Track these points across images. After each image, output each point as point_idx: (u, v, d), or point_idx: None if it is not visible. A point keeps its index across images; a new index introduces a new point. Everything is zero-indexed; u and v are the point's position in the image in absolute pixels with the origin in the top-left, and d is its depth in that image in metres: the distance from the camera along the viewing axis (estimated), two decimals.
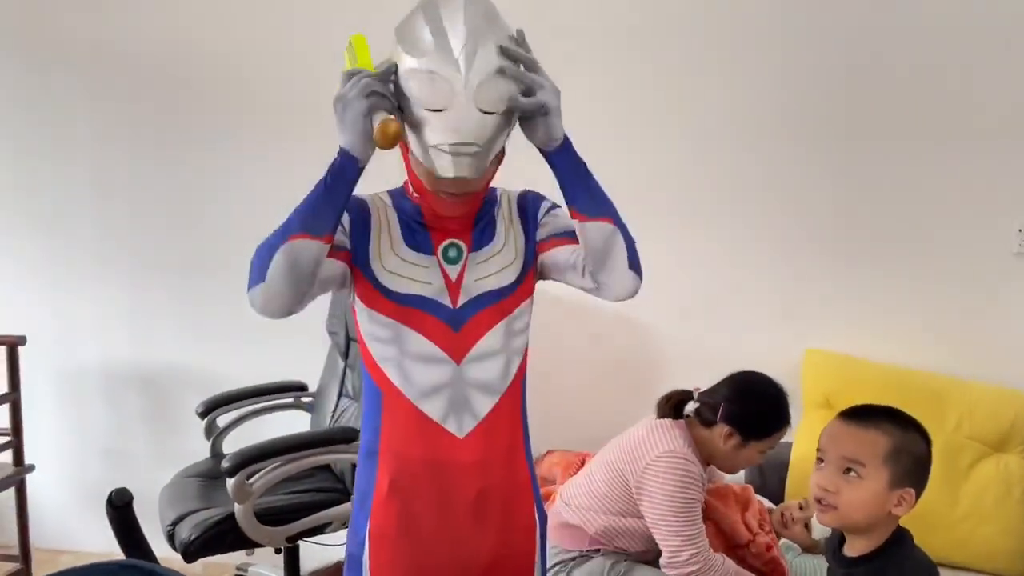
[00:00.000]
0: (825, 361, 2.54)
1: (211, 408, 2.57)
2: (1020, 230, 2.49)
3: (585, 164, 1.42)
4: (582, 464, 2.54)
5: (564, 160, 1.40)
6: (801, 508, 2.12)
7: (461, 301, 1.44)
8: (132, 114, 2.93)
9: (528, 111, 1.34)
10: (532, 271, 1.52)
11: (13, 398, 2.81)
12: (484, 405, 1.45)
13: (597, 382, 2.77)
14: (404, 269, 1.43)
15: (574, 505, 2.06)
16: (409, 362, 1.42)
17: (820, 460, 1.48)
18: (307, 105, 2.79)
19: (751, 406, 2.00)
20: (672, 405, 2.05)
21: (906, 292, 2.57)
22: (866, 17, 2.51)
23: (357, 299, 1.46)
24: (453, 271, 1.45)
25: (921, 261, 2.55)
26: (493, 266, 1.46)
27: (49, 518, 3.09)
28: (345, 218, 1.41)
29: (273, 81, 2.83)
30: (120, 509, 2.15)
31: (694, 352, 2.67)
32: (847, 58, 2.54)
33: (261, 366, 2.78)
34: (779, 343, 2.61)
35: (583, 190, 1.41)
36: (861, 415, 1.49)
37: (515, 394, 1.50)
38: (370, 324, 1.44)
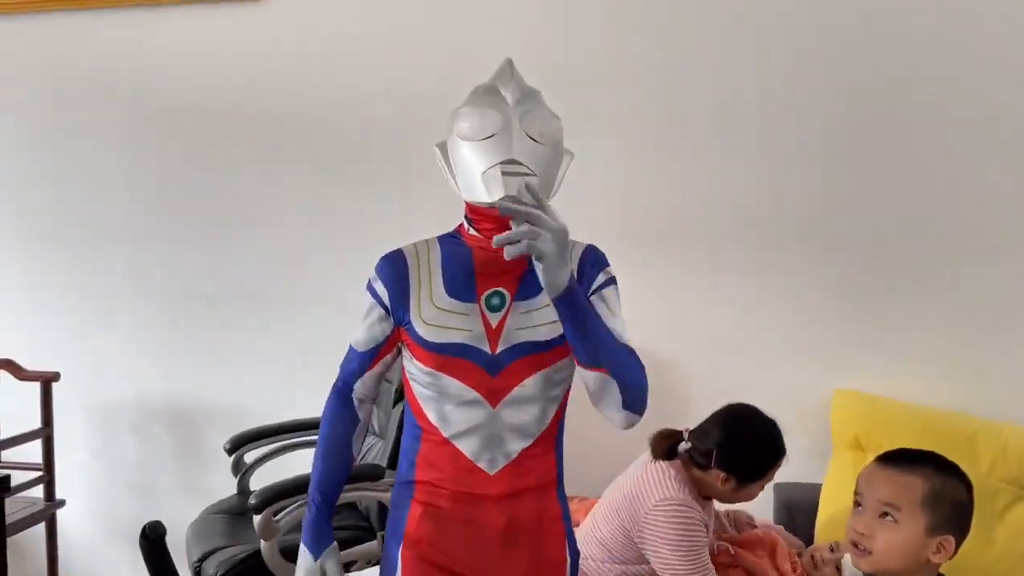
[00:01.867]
0: (855, 401, 2.51)
1: (238, 444, 2.58)
2: None
3: (590, 312, 1.39)
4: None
5: (564, 308, 1.35)
6: (832, 550, 2.09)
7: (500, 347, 1.46)
8: (166, 149, 2.99)
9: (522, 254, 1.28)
10: None
11: (46, 433, 2.85)
12: (517, 446, 1.48)
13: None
14: (442, 319, 1.46)
15: (584, 554, 2.04)
16: (447, 405, 1.47)
17: (857, 504, 1.46)
18: (339, 141, 2.87)
19: (745, 452, 1.96)
20: (665, 447, 2.02)
21: (937, 331, 2.53)
22: (898, 44, 2.52)
23: (404, 351, 1.53)
24: (495, 318, 1.46)
25: (953, 299, 2.52)
26: (536, 318, 1.47)
27: (78, 552, 3.11)
28: (384, 292, 1.50)
29: (303, 116, 2.87)
30: (154, 542, 2.16)
31: (719, 391, 2.63)
32: (874, 93, 2.54)
33: (289, 403, 2.80)
34: (807, 382, 2.58)
35: (581, 340, 1.37)
36: (900, 459, 1.47)
37: (551, 436, 1.52)
38: (413, 368, 1.50)
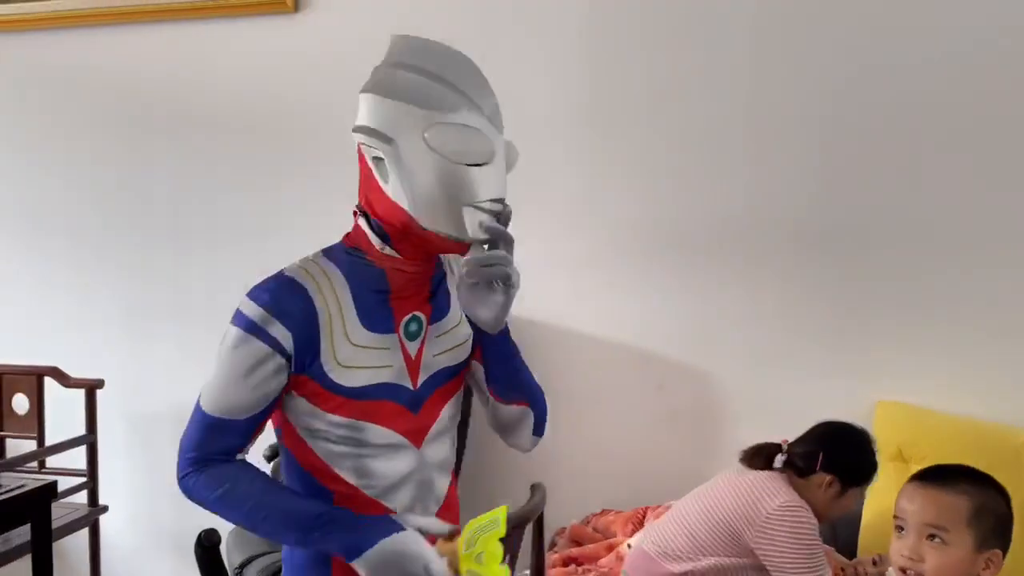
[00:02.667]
0: (898, 413, 2.47)
1: (276, 452, 2.59)
2: None
3: (517, 350, 1.32)
4: (642, 519, 2.51)
5: (501, 345, 1.29)
6: (875, 563, 2.07)
7: (421, 379, 1.30)
8: (210, 161, 3.04)
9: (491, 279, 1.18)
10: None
11: (90, 440, 2.90)
12: (443, 485, 1.34)
13: (657, 433, 2.73)
14: (360, 357, 1.24)
15: (673, 553, 2.04)
16: (369, 458, 1.26)
17: (899, 528, 1.44)
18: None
19: (851, 453, 2.00)
20: (763, 457, 2.05)
21: (982, 342, 2.49)
22: (923, 54, 2.49)
23: (294, 402, 1.25)
24: (413, 347, 1.29)
25: (997, 310, 2.48)
26: (448, 341, 1.33)
27: (121, 557, 3.15)
28: (286, 335, 1.21)
29: (345, 135, 2.89)
30: (208, 549, 2.18)
31: (760, 403, 2.63)
32: (915, 99, 2.51)
33: None
34: (849, 394, 2.55)
35: (510, 376, 1.32)
36: (938, 477, 1.45)
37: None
38: (316, 423, 1.25)
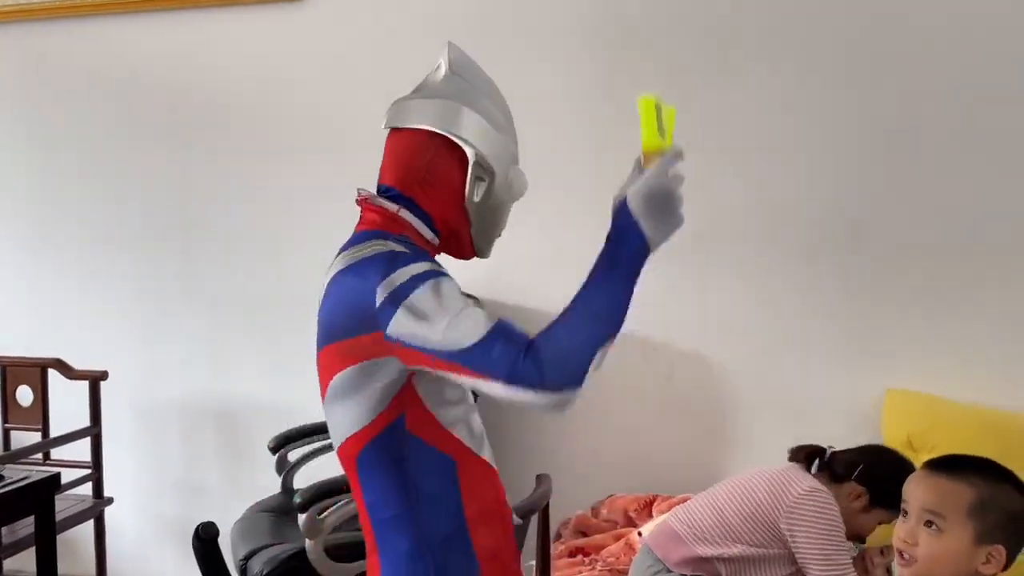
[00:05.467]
0: (908, 402, 2.45)
1: (282, 443, 2.58)
2: None
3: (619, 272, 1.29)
4: (651, 503, 2.50)
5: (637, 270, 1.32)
6: (882, 553, 2.06)
7: None
8: (217, 155, 3.02)
9: None
10: None
11: (95, 432, 2.89)
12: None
13: (666, 422, 2.72)
14: None
15: (701, 534, 2.04)
16: (472, 413, 1.36)
17: (904, 512, 1.42)
18: (380, 143, 2.87)
19: (890, 474, 1.96)
20: (804, 455, 2.07)
21: (992, 329, 2.47)
22: (944, 48, 2.46)
23: (423, 373, 1.26)
24: None
25: (1008, 297, 2.46)
26: None
27: (125, 550, 3.15)
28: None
29: (352, 127, 2.87)
30: (206, 543, 2.18)
31: (770, 392, 2.62)
32: (922, 90, 2.48)
33: None
34: (859, 383, 2.54)
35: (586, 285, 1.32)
36: (947, 466, 1.42)
37: None
38: (440, 390, 1.29)
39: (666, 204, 1.24)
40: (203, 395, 3.08)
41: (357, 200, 1.43)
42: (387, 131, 1.44)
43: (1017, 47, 2.42)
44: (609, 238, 1.25)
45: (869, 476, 2.00)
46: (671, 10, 2.62)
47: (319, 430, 2.64)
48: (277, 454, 2.59)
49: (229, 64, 2.97)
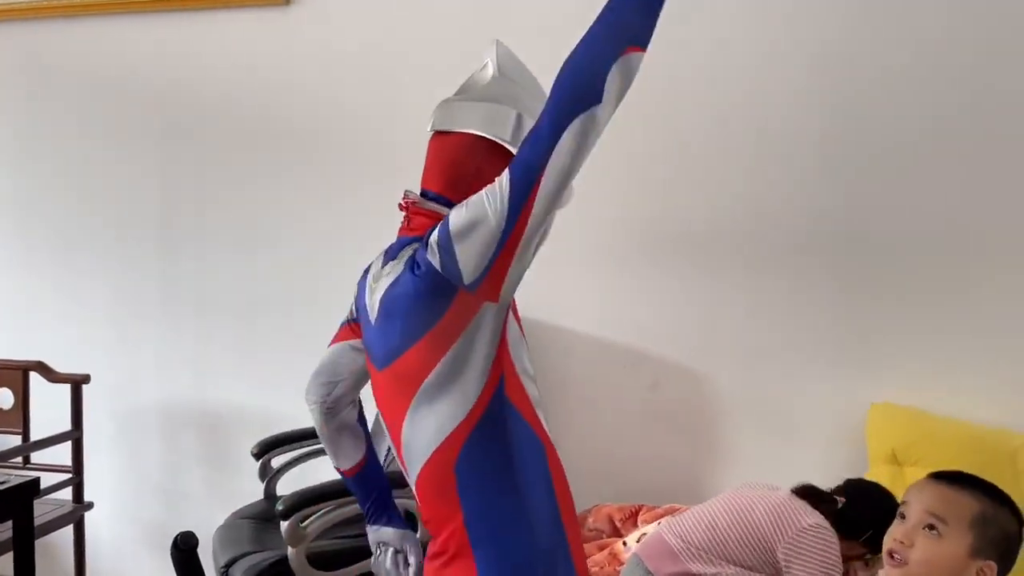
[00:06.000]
0: (892, 415, 2.46)
1: (266, 449, 2.57)
2: None
3: None
4: (636, 513, 2.49)
5: None
6: (867, 565, 2.05)
7: None
8: (198, 158, 3.00)
9: None
10: None
11: (76, 436, 2.87)
12: None
13: (650, 433, 2.71)
14: None
15: (695, 548, 2.01)
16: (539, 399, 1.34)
17: (902, 515, 1.43)
18: (365, 146, 2.87)
19: (864, 511, 1.97)
20: (812, 498, 2.02)
21: (977, 344, 2.47)
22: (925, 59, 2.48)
23: (520, 330, 1.32)
24: None
25: (993, 312, 2.46)
26: None
27: (105, 554, 3.12)
28: None
29: (335, 131, 2.87)
30: (185, 552, 2.17)
31: (755, 404, 2.62)
32: (915, 104, 2.50)
33: None
34: (843, 396, 2.53)
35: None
36: (955, 478, 1.44)
37: None
38: (520, 356, 1.30)
39: None
40: (185, 400, 3.06)
41: (402, 203, 1.39)
42: (431, 134, 1.41)
43: (985, 60, 2.44)
44: None
45: (877, 539, 1.98)
46: None
47: (303, 436, 2.63)
48: (260, 460, 2.57)
49: (214, 66, 2.95)
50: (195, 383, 3.04)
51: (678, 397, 2.69)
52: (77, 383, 2.87)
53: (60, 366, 2.92)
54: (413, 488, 1.33)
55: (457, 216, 1.20)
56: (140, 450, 3.11)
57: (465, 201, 1.21)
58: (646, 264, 2.65)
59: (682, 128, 2.64)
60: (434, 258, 1.21)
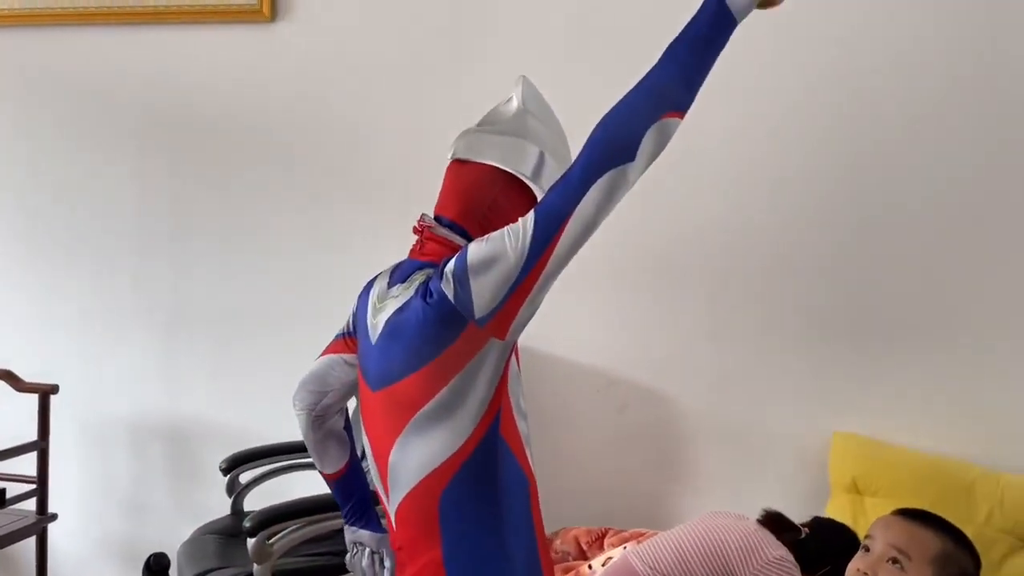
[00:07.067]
0: (854, 445, 2.50)
1: (234, 464, 2.57)
2: None
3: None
4: (602, 536, 2.51)
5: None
6: None
7: None
8: (174, 167, 3.00)
9: None
10: None
11: (42, 447, 2.84)
12: None
13: (616, 455, 2.74)
14: None
15: (661, 571, 2.01)
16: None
17: (866, 548, 1.48)
18: (344, 162, 2.88)
19: (826, 543, 1.96)
20: (777, 528, 2.02)
21: (940, 377, 2.53)
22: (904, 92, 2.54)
23: (518, 366, 1.31)
24: None
25: (956, 347, 2.52)
26: None
27: (68, 567, 3.09)
28: None
29: (314, 146, 2.89)
30: (157, 573, 2.16)
31: (719, 430, 2.65)
32: (878, 144, 2.56)
33: (290, 424, 2.78)
34: (807, 424, 2.58)
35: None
36: (920, 516, 1.51)
37: None
38: (516, 396, 1.30)
39: None
40: (153, 412, 3.04)
41: (417, 227, 1.38)
42: (449, 160, 1.41)
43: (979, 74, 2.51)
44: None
45: (837, 573, 1.94)
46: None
47: (272, 452, 2.63)
48: (228, 475, 2.57)
49: (195, 81, 2.96)
50: (165, 395, 3.03)
51: (646, 420, 2.72)
52: (45, 393, 2.85)
53: (29, 375, 2.90)
54: (391, 510, 1.32)
55: (476, 250, 1.20)
56: (106, 462, 3.08)
57: (486, 236, 1.22)
58: (616, 288, 2.69)
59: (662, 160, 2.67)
60: (448, 288, 1.21)
